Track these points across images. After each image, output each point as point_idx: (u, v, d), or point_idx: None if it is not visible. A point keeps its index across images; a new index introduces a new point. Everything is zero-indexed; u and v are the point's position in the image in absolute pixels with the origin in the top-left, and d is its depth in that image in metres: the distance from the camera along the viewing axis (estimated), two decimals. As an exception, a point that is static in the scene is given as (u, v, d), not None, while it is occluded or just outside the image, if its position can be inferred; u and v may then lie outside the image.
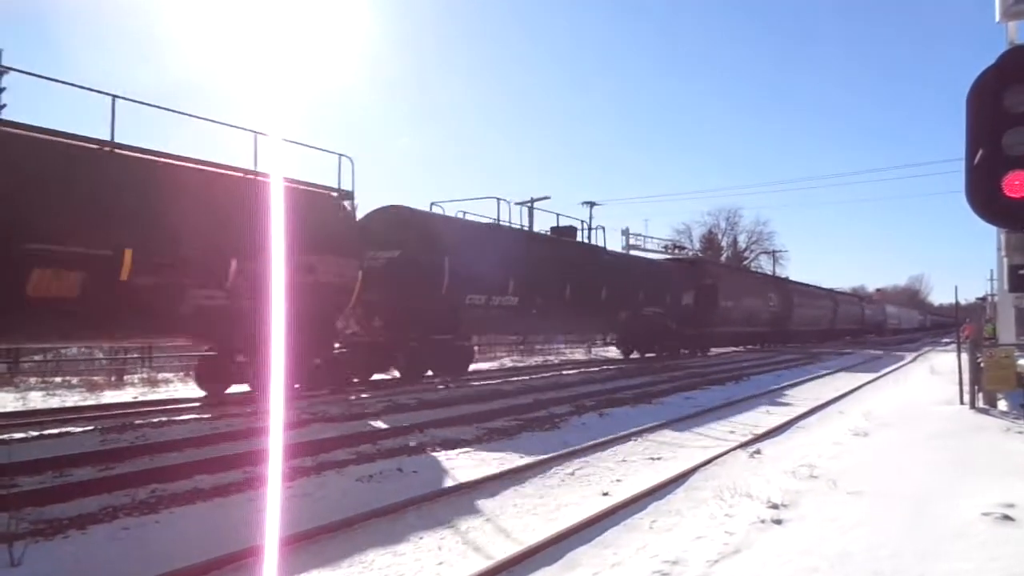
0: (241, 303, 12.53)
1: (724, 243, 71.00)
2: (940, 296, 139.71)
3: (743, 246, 71.05)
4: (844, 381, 20.77)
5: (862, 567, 4.49)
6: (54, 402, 14.31)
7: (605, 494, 7.09)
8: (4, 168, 9.88)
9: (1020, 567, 4.42)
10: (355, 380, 16.78)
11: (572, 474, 7.98)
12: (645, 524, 6.00)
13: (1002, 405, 12.27)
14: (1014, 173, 2.98)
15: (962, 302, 22.87)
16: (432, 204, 20.69)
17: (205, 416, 11.66)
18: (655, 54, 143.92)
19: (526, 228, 23.42)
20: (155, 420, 11.09)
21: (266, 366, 12.97)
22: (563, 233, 25.49)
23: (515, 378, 20.23)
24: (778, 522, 5.57)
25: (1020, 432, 9.78)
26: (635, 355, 31.48)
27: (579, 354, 32.73)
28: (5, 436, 9.72)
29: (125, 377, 19.52)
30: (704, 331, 33.51)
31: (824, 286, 63.94)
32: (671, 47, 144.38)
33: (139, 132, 11.93)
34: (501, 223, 21.59)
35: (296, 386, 14.09)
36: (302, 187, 14.79)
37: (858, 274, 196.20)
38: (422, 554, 5.29)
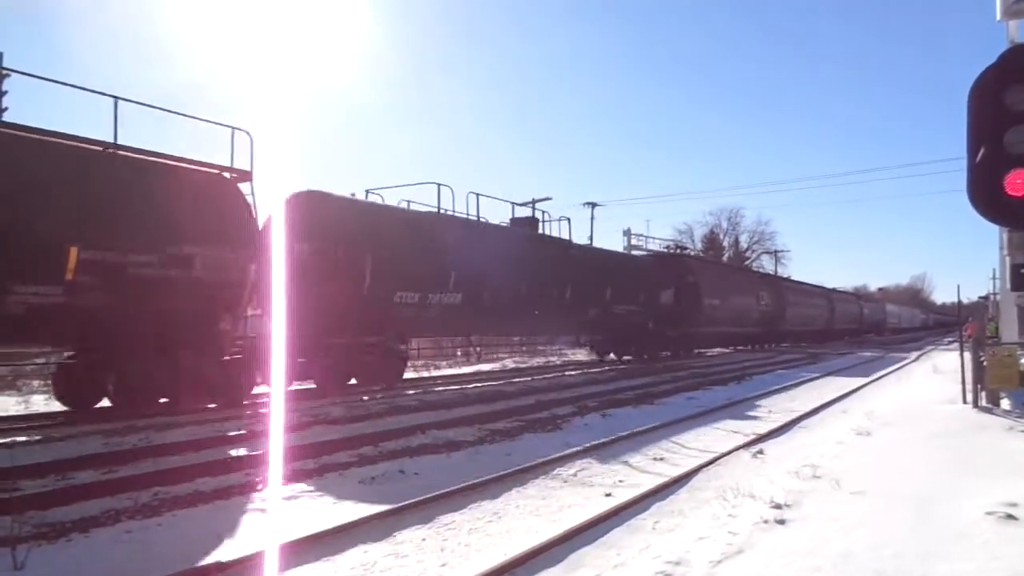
0: (89, 301, 10.69)
1: (726, 243, 71.00)
2: (943, 295, 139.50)
3: (745, 246, 71.02)
4: (844, 382, 20.74)
5: (865, 567, 4.48)
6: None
7: (608, 495, 7.08)
8: None
9: (1024, 567, 4.42)
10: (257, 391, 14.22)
11: (575, 475, 7.97)
12: (648, 525, 6.00)
13: (1005, 404, 12.25)
14: (1016, 171, 2.97)
15: (965, 301, 22.81)
16: (368, 191, 18.52)
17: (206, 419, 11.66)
18: (657, 55, 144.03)
19: (473, 218, 20.36)
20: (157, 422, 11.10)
21: (134, 375, 11.75)
22: (522, 224, 23.33)
23: (517, 379, 20.23)
24: (781, 522, 5.56)
25: (1023, 431, 9.76)
26: (611, 357, 29.76)
27: (581, 355, 32.38)
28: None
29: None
30: (686, 331, 31.71)
31: (821, 285, 63.19)
32: (672, 49, 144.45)
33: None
34: (444, 212, 19.11)
35: (163, 400, 12.19)
36: (176, 163, 12.58)
37: (860, 274, 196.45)
38: (425, 555, 5.29)
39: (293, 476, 7.53)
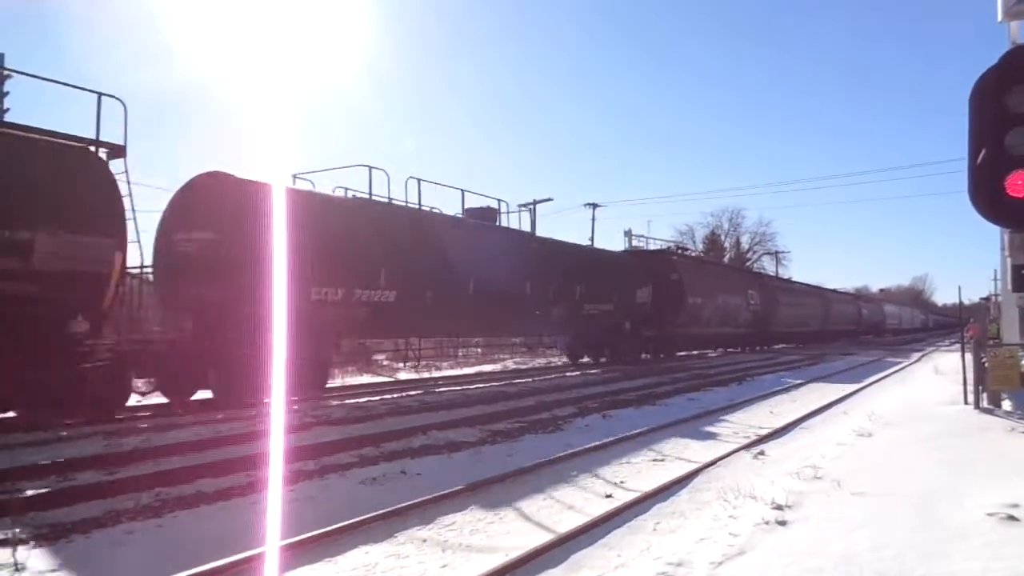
0: None
1: (727, 244, 71.00)
2: (944, 296, 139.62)
3: (746, 247, 71.02)
4: (844, 383, 20.73)
5: (867, 568, 4.48)
6: None
7: (608, 496, 7.08)
8: None
9: (1025, 568, 4.41)
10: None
11: (575, 476, 7.97)
12: (649, 526, 6.00)
13: (1006, 405, 12.24)
14: (1017, 173, 2.97)
15: (966, 302, 22.77)
16: (295, 176, 16.46)
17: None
18: (659, 57, 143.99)
19: (415, 206, 18.03)
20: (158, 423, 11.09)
21: None
22: (477, 216, 21.10)
23: (518, 380, 20.22)
24: (782, 523, 5.55)
25: (1024, 432, 9.74)
26: (586, 360, 28.09)
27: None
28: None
29: None
30: (666, 332, 29.79)
31: (820, 285, 62.34)
32: (673, 49, 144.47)
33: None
34: (376, 199, 16.88)
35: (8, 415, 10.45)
36: (21, 133, 10.76)
37: (861, 275, 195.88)
38: (425, 556, 5.29)
39: (294, 477, 7.53)
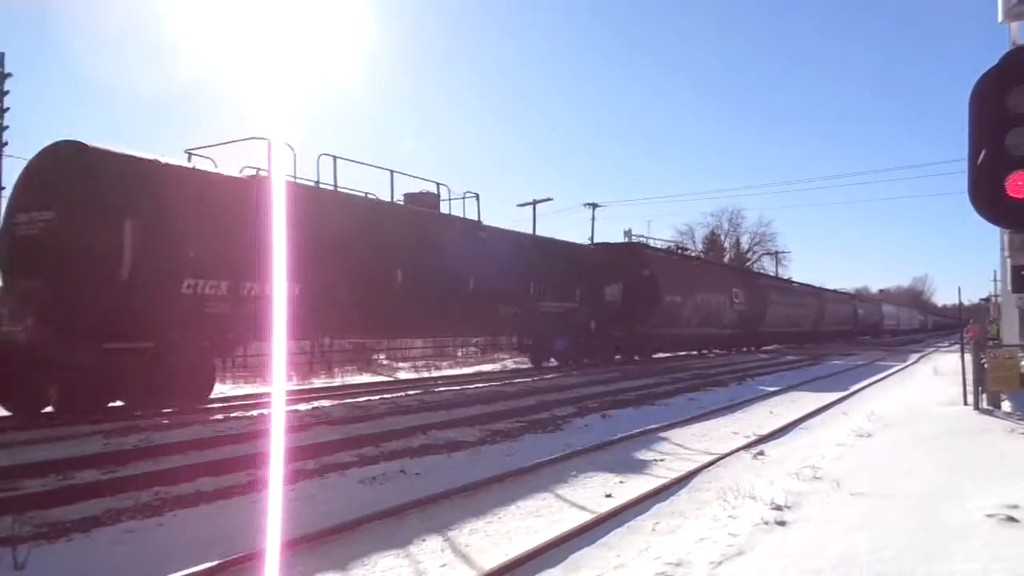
0: None
1: (727, 244, 71.02)
2: (944, 297, 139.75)
3: (746, 247, 71.07)
4: (844, 384, 20.73)
5: (866, 569, 4.48)
6: None
7: (608, 496, 7.08)
8: None
9: (1025, 568, 4.41)
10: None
11: (575, 476, 7.97)
12: (648, 526, 5.99)
13: (1006, 406, 12.24)
14: (1017, 174, 2.98)
15: (966, 303, 22.79)
16: (188, 152, 14.30)
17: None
18: (660, 57, 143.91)
19: (325, 186, 15.75)
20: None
21: None
22: (417, 201, 18.91)
23: (518, 380, 20.21)
24: (782, 524, 5.55)
25: (1024, 433, 9.75)
26: (553, 363, 25.23)
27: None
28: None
29: None
30: (639, 332, 27.44)
31: (821, 285, 61.52)
32: (674, 50, 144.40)
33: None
34: (288, 179, 14.81)
35: None
36: None
37: (861, 275, 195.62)
38: (425, 556, 5.29)
39: (294, 476, 7.53)
